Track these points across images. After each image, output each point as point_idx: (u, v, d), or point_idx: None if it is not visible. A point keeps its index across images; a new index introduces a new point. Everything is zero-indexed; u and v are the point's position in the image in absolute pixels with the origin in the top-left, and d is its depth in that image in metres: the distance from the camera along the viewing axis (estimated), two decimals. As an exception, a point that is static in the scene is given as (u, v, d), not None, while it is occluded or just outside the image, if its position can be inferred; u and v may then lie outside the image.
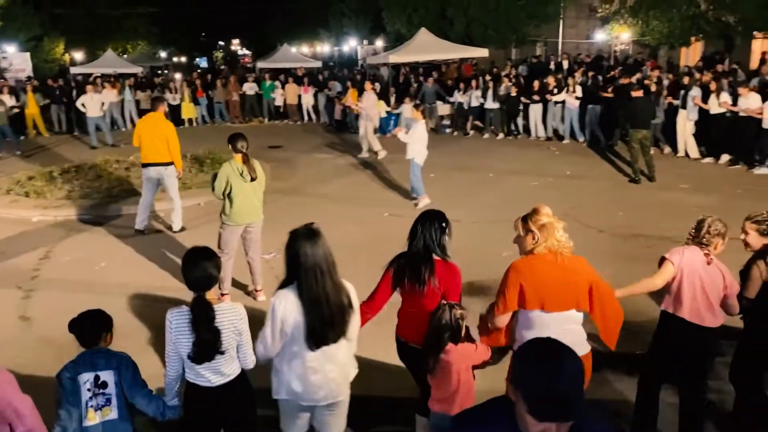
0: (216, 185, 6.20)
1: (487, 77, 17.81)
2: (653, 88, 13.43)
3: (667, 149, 13.53)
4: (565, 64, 21.49)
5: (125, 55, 36.69)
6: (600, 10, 22.47)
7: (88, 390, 3.16)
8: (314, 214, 9.20)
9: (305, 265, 3.16)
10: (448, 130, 17.95)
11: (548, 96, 15.60)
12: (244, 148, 6.23)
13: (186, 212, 9.22)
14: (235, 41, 79.49)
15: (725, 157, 12.40)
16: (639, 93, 11.87)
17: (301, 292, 3.18)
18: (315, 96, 20.94)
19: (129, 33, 41.27)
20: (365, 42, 37.91)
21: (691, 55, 24.12)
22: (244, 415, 3.42)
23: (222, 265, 3.78)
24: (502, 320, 3.44)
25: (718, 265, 3.88)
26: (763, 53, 18.66)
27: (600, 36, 25.73)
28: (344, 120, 18.92)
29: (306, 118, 21.17)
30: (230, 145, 6.26)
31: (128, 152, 13.94)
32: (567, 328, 3.35)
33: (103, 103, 17.12)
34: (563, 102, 15.29)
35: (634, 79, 14.19)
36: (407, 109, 16.24)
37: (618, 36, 23.55)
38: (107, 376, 3.20)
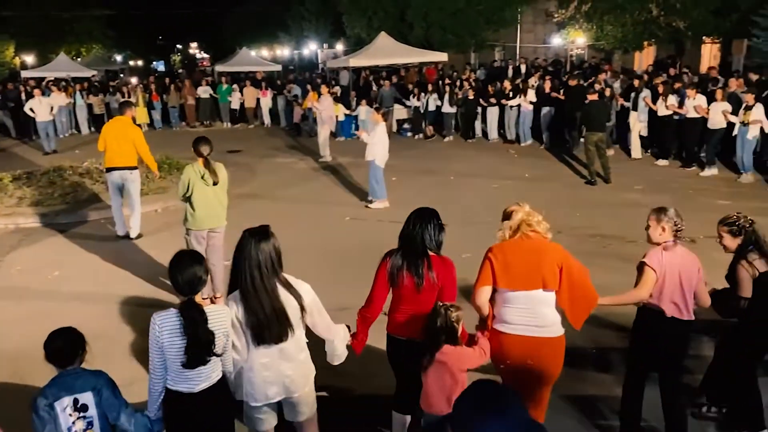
0: (179, 187, 6.34)
1: (446, 81, 17.98)
2: (607, 92, 13.76)
3: (611, 151, 13.80)
4: (523, 69, 21.83)
5: (79, 59, 35.63)
6: (556, 15, 22.90)
7: (70, 415, 2.97)
8: (275, 218, 9.03)
9: (242, 268, 3.30)
10: (408, 134, 18.04)
11: (503, 100, 15.83)
12: (205, 152, 6.24)
13: (143, 218, 9.03)
14: (194, 44, 78.42)
15: (663, 162, 12.88)
16: (594, 97, 12.16)
17: (243, 294, 3.31)
18: (274, 99, 20.81)
19: (83, 36, 40.07)
20: (325, 45, 37.86)
21: (645, 59, 24.77)
22: (224, 419, 3.39)
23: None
24: (479, 295, 3.65)
25: (689, 254, 3.92)
26: (723, 59, 19.32)
27: (556, 41, 26.19)
28: (302, 123, 18.84)
29: (265, 121, 21.02)
30: (193, 149, 6.28)
31: (82, 158, 13.61)
32: (536, 308, 3.55)
33: (52, 107, 16.63)
34: (519, 106, 15.54)
35: (586, 84, 14.53)
36: (363, 111, 16.31)
37: (574, 41, 24.04)
38: (86, 398, 3.01)
